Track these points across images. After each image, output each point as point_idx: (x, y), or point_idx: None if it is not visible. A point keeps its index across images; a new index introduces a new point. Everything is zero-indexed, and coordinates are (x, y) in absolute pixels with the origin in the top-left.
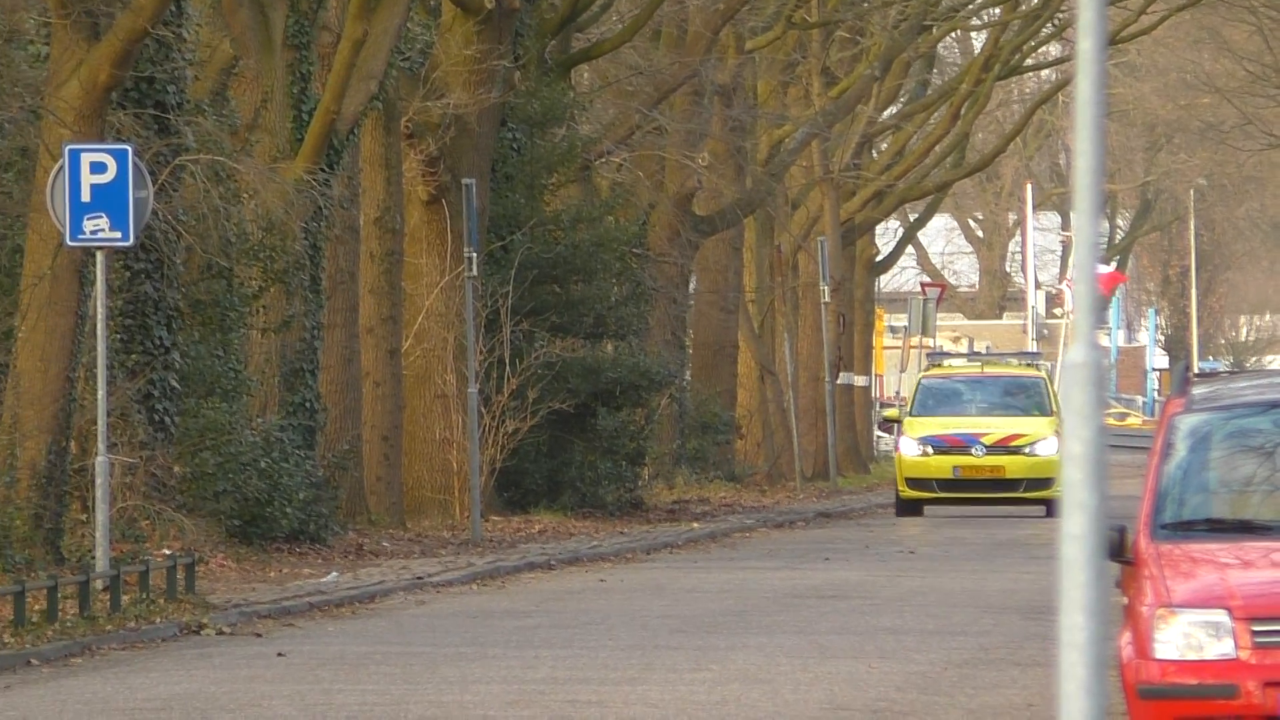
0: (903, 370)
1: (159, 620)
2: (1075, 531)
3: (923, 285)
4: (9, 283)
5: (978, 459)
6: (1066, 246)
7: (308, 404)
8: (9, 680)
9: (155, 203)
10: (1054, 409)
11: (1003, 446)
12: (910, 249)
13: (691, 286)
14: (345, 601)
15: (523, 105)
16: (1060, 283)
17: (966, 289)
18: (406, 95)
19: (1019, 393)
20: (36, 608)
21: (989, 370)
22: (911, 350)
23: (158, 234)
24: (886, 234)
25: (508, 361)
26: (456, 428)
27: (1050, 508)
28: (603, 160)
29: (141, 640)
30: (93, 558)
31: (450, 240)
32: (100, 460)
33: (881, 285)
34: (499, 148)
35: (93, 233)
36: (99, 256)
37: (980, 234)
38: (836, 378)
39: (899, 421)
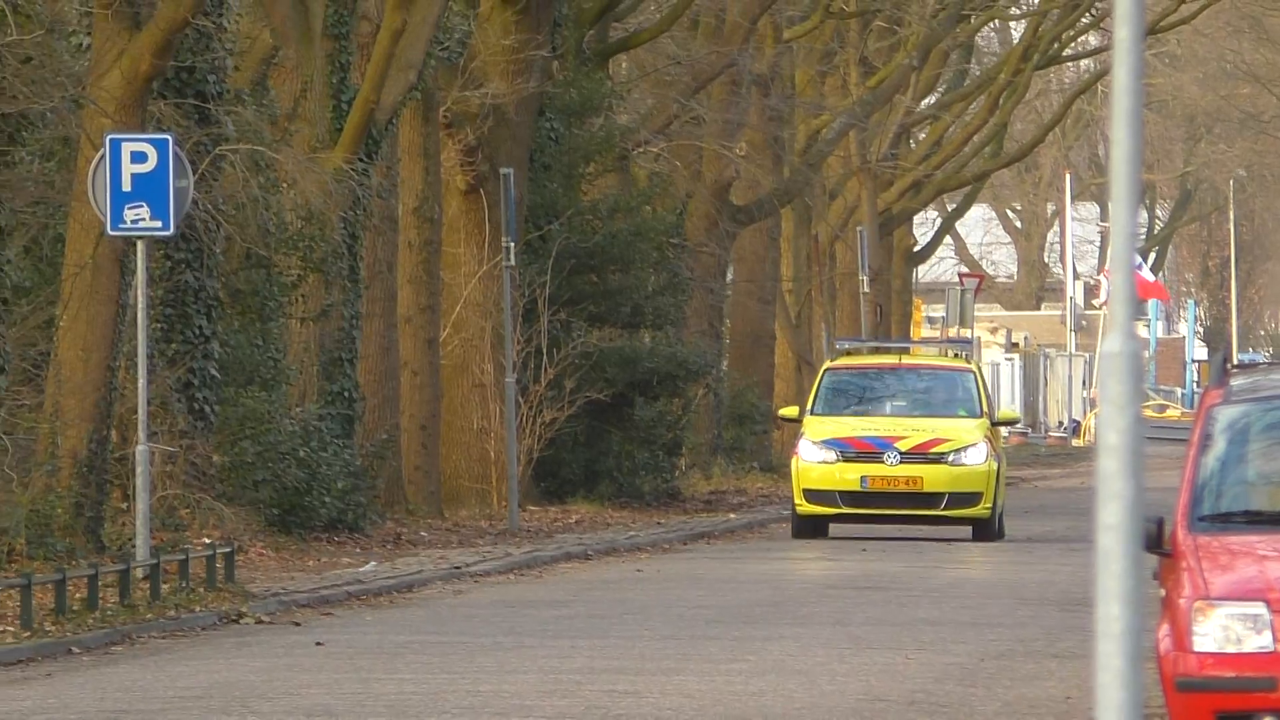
0: None
1: (198, 609)
2: (1111, 521)
3: (960, 276)
4: (50, 272)
5: (890, 468)
6: (1105, 237)
7: (346, 393)
8: (50, 668)
9: (195, 192)
10: (984, 409)
11: (921, 454)
12: (948, 239)
13: (728, 276)
14: (383, 591)
15: (560, 95)
16: (1099, 274)
17: (1005, 279)
18: (445, 85)
19: (943, 389)
20: (77, 596)
21: (908, 361)
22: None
23: (198, 223)
24: (924, 224)
25: (545, 351)
26: (494, 417)
27: (978, 529)
28: (640, 150)
29: (181, 629)
30: (133, 546)
31: (488, 230)
32: (140, 449)
33: (919, 276)
34: (537, 137)
35: (133, 222)
36: (139, 246)
37: (1019, 224)
38: None
39: (797, 421)
